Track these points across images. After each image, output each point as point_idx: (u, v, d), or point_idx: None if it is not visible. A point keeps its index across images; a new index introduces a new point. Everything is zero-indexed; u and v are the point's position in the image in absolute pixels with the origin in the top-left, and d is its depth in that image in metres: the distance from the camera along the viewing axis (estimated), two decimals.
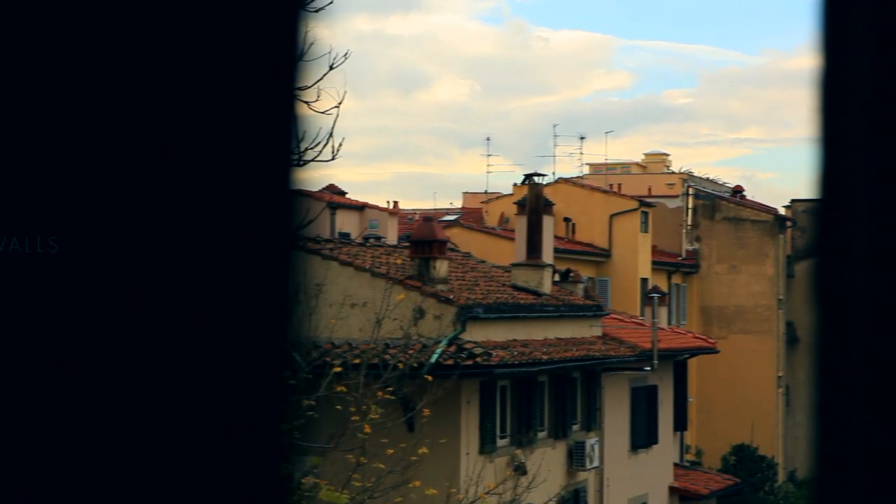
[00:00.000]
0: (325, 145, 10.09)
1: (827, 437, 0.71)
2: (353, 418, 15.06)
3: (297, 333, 0.85)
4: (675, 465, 30.09)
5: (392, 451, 15.77)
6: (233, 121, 0.81)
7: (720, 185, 48.50)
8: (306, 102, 10.41)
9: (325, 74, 10.31)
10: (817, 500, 0.72)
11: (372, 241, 24.41)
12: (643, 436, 26.83)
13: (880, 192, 0.70)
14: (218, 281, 0.80)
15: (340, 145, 10.22)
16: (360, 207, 31.12)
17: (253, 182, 0.80)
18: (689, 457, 34.85)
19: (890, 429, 0.69)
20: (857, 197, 0.70)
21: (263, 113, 0.81)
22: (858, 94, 0.71)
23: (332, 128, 10.25)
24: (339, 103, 10.36)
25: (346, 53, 10.75)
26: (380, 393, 15.98)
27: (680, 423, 30.48)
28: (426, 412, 17.11)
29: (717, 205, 43.99)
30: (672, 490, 28.62)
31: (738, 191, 47.54)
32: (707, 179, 47.84)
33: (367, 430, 15.11)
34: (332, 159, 10.13)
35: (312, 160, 10.10)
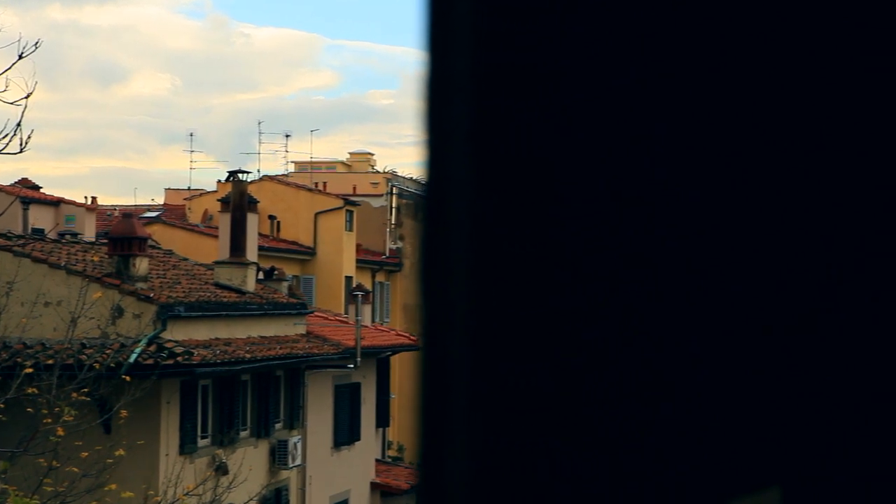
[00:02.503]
0: (12, 137, 9.73)
1: (430, 432, 0.73)
2: (45, 421, 14.59)
3: None
4: (377, 461, 30.46)
5: (87, 453, 15.35)
6: None
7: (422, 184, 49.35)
8: None
9: (13, 64, 9.93)
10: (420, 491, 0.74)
11: (68, 237, 23.61)
12: (346, 433, 27.03)
13: (479, 193, 0.72)
14: None
15: (29, 137, 9.87)
16: (56, 203, 30.06)
17: None
18: (390, 453, 35.33)
19: (485, 424, 0.72)
20: (457, 197, 0.73)
21: None
22: (458, 95, 0.73)
23: (21, 119, 9.90)
24: (29, 94, 10.01)
25: (37, 43, 10.40)
26: (74, 394, 15.55)
27: (382, 420, 30.87)
28: (124, 413, 16.72)
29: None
30: (374, 486, 28.95)
31: None
32: (410, 179, 48.66)
33: (61, 432, 14.67)
34: (21, 152, 9.78)
35: None
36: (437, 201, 0.74)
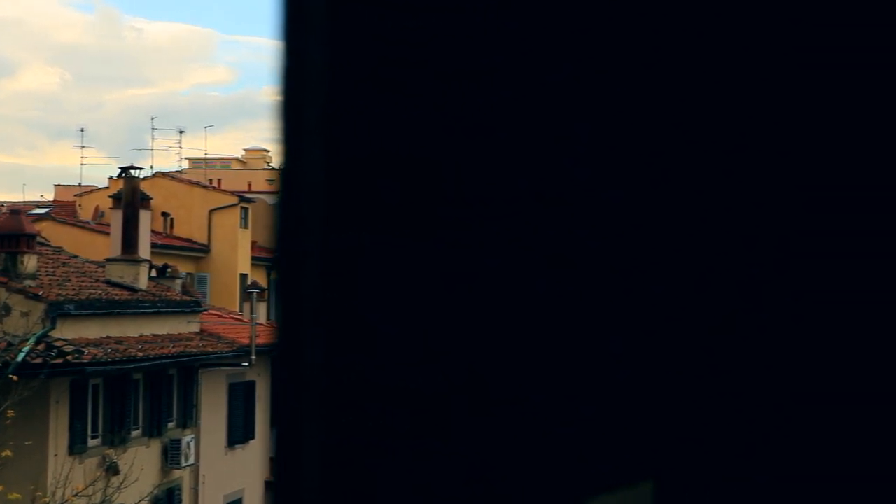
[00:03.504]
0: None
1: (285, 436, 0.73)
2: None
3: None
4: (272, 459, 30.28)
5: None
6: None
7: None
8: None
9: None
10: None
11: None
12: (240, 431, 26.81)
13: (332, 191, 0.71)
14: None
15: None
16: None
17: None
18: None
19: (338, 433, 0.71)
20: (312, 199, 0.72)
21: None
22: (314, 89, 0.72)
23: None
24: None
25: None
26: None
27: None
28: (10, 413, 16.40)
29: None
30: (268, 485, 28.67)
31: None
32: None
33: None
34: None
35: None
36: (291, 195, 0.73)
